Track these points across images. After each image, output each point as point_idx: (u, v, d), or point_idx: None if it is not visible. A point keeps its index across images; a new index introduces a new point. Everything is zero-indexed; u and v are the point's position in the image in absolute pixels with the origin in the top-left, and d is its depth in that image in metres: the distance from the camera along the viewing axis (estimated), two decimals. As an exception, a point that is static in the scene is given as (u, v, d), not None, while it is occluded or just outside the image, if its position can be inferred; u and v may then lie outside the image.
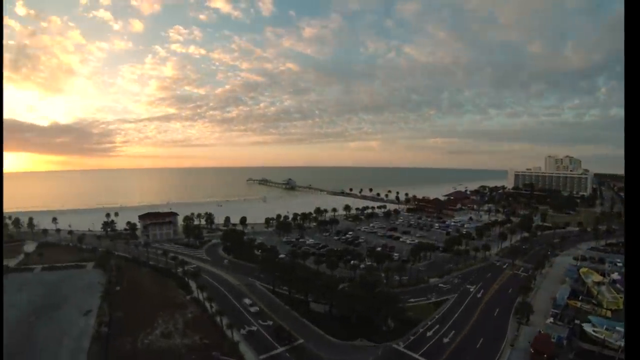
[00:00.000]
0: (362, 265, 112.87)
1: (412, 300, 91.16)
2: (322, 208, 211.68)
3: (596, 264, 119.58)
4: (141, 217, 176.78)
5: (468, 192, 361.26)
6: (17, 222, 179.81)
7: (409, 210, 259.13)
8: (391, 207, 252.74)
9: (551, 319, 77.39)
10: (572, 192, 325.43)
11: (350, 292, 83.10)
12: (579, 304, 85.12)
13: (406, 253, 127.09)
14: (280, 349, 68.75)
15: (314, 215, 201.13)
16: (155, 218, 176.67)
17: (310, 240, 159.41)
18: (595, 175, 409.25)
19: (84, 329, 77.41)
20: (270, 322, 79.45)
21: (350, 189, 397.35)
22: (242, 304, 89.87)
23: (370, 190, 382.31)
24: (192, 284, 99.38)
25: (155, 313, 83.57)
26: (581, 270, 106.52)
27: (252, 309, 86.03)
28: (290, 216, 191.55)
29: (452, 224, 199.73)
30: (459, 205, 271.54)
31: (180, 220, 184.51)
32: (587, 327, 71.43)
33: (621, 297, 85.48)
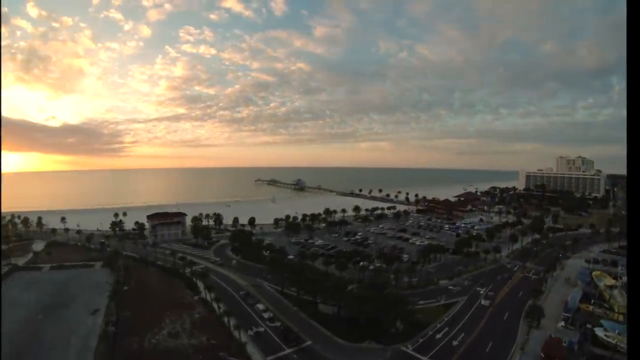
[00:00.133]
0: (371, 267, 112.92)
1: (421, 302, 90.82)
2: (331, 209, 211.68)
3: (609, 266, 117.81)
4: (149, 217, 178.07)
5: (478, 193, 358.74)
6: (26, 221, 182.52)
7: (418, 211, 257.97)
8: (401, 208, 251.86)
9: (562, 323, 76.46)
10: (585, 193, 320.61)
11: (359, 293, 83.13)
12: (590, 307, 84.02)
13: (416, 254, 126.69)
14: (288, 351, 68.99)
15: (323, 216, 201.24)
16: (163, 218, 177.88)
17: (319, 241, 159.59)
18: (609, 176, 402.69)
19: (92, 328, 78.21)
20: (278, 323, 79.68)
21: (360, 190, 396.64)
22: (250, 305, 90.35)
23: (380, 191, 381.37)
24: (200, 285, 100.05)
25: (163, 313, 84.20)
26: (593, 273, 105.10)
27: (262, 313, 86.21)
28: (299, 217, 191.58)
29: (462, 225, 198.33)
30: (469, 207, 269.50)
31: (188, 220, 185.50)
32: (599, 332, 70.60)
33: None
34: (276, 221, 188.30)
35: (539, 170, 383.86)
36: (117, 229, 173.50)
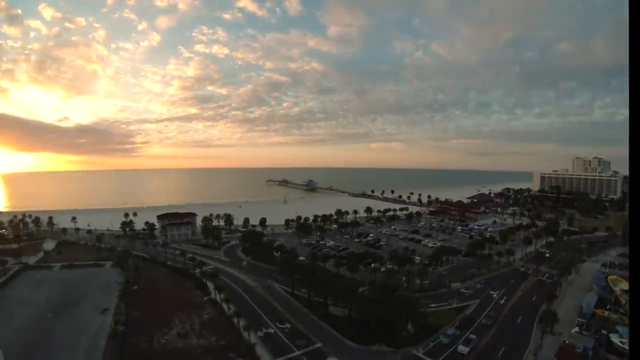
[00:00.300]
0: (383, 269, 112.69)
1: (433, 305, 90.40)
2: (343, 210, 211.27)
3: (625, 271, 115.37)
4: (159, 217, 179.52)
5: (492, 195, 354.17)
6: (37, 220, 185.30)
7: (431, 212, 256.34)
8: (413, 209, 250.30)
9: (577, 329, 75.34)
10: (601, 195, 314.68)
11: (370, 295, 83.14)
12: (606, 313, 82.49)
13: (428, 257, 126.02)
14: (297, 352, 69.26)
15: (335, 217, 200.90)
16: (173, 218, 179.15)
17: (331, 242, 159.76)
18: (626, 177, 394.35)
19: (101, 327, 79.13)
20: (288, 325, 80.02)
21: (372, 191, 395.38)
22: (259, 305, 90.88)
23: (392, 192, 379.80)
24: (210, 285, 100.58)
25: (172, 313, 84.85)
26: (609, 277, 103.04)
27: (272, 312, 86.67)
28: (311, 218, 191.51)
29: (475, 227, 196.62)
30: (482, 208, 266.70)
31: (199, 220, 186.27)
32: (615, 338, 69.35)
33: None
34: (287, 222, 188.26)
35: (553, 171, 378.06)
36: (127, 229, 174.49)
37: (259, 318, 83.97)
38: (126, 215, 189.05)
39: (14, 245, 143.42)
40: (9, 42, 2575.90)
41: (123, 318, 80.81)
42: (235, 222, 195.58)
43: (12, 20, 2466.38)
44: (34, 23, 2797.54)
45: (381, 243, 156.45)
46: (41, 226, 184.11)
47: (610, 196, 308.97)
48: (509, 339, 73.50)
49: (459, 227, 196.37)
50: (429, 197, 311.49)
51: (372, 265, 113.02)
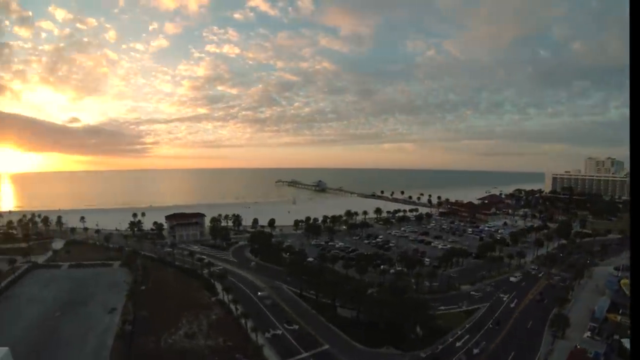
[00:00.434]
0: (392, 270, 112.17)
1: (442, 307, 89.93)
2: (352, 211, 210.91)
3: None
4: (168, 218, 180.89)
5: (503, 196, 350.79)
6: (46, 220, 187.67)
7: (441, 214, 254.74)
8: (423, 210, 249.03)
9: (589, 333, 74.30)
10: (614, 196, 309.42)
11: (379, 297, 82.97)
12: (619, 317, 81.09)
13: (437, 258, 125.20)
14: (305, 354, 69.34)
15: (344, 218, 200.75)
16: (182, 219, 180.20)
17: (340, 243, 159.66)
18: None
19: (109, 326, 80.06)
20: (296, 327, 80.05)
21: (382, 192, 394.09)
22: (267, 306, 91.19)
23: (402, 193, 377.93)
24: (218, 286, 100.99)
25: (180, 313, 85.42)
26: (622, 281, 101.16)
27: (280, 313, 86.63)
28: (320, 219, 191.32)
29: (486, 229, 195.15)
30: (493, 210, 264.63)
31: (207, 221, 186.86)
32: (627, 343, 68.27)
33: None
34: (296, 223, 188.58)
35: (566, 172, 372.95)
36: (135, 229, 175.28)
37: (267, 319, 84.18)
38: (134, 215, 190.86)
39: (23, 244, 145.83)
40: (20, 43, 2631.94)
41: (131, 318, 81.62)
42: (243, 223, 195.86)
43: (23, 21, 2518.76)
44: (45, 24, 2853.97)
45: (390, 244, 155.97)
46: (50, 225, 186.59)
47: (623, 197, 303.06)
48: (519, 343, 72.72)
49: (470, 229, 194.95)
50: (439, 198, 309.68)
51: (381, 266, 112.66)
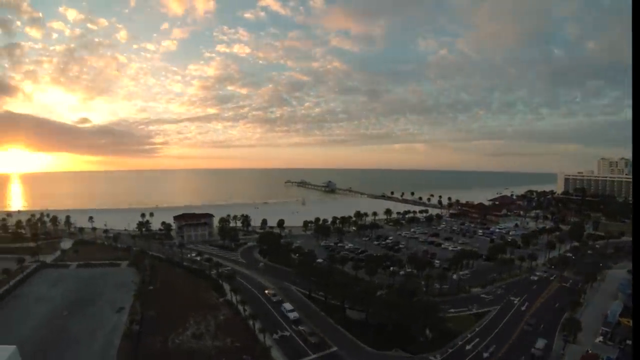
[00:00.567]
0: (401, 272, 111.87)
1: (452, 310, 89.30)
2: (362, 212, 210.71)
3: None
4: (176, 218, 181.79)
5: (514, 197, 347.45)
6: (54, 219, 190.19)
7: (451, 215, 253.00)
8: (433, 211, 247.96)
9: (601, 338, 73.47)
10: (628, 197, 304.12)
11: (388, 299, 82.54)
12: (632, 322, 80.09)
13: (448, 260, 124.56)
14: (313, 356, 69.43)
15: (354, 219, 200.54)
16: (190, 219, 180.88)
17: (349, 244, 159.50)
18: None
19: (116, 326, 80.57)
20: (304, 328, 80.00)
21: (392, 193, 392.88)
22: (275, 308, 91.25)
23: (412, 193, 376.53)
24: (226, 287, 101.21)
25: (187, 314, 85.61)
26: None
27: (290, 315, 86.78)
28: (329, 220, 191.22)
29: (497, 230, 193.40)
30: (504, 211, 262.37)
31: (216, 221, 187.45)
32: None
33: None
34: (305, 224, 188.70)
35: (578, 173, 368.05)
36: (143, 229, 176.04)
37: (275, 320, 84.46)
38: (143, 215, 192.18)
39: (32, 244, 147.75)
40: (31, 44, 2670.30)
41: (138, 317, 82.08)
42: (252, 223, 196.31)
43: (34, 22, 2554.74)
44: (56, 24, 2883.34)
45: (400, 246, 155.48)
46: (59, 225, 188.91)
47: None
48: (530, 347, 71.98)
49: (480, 230, 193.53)
50: (449, 199, 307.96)
51: (391, 268, 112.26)
